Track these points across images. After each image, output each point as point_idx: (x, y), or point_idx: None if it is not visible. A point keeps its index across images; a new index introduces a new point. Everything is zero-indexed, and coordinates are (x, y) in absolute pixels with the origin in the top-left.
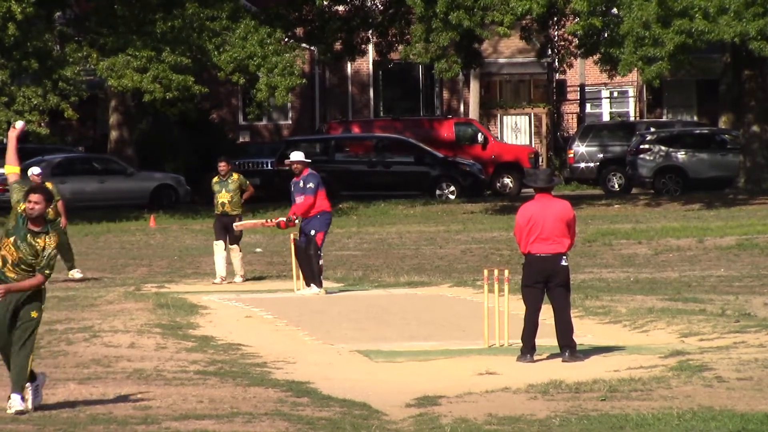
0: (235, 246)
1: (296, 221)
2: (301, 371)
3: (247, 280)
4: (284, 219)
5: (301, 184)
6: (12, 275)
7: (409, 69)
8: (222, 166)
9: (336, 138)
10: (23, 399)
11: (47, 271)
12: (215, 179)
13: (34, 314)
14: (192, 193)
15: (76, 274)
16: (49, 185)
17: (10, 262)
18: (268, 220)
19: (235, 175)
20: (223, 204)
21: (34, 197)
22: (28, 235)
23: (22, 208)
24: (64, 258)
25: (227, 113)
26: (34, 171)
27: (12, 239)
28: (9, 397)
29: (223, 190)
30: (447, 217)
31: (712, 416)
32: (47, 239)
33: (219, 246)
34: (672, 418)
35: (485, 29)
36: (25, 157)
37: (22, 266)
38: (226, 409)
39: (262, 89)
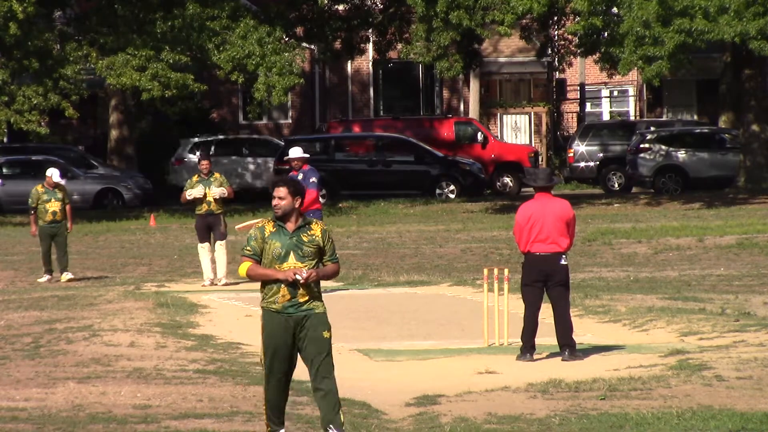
0: (221, 243)
1: None
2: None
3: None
4: None
5: (300, 176)
6: (303, 298)
7: (409, 68)
8: (204, 164)
9: (336, 137)
10: None
11: (336, 256)
12: (195, 178)
13: (326, 334)
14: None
15: (66, 276)
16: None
17: (301, 282)
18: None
19: (216, 174)
20: (209, 203)
21: (279, 191)
22: (297, 237)
23: (266, 224)
24: (59, 260)
25: (227, 112)
26: (54, 173)
27: (291, 256)
28: None
29: (207, 189)
30: (447, 217)
31: (711, 415)
32: (315, 225)
33: (204, 248)
34: (671, 417)
35: (486, 28)
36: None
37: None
38: (226, 408)
39: (260, 88)
